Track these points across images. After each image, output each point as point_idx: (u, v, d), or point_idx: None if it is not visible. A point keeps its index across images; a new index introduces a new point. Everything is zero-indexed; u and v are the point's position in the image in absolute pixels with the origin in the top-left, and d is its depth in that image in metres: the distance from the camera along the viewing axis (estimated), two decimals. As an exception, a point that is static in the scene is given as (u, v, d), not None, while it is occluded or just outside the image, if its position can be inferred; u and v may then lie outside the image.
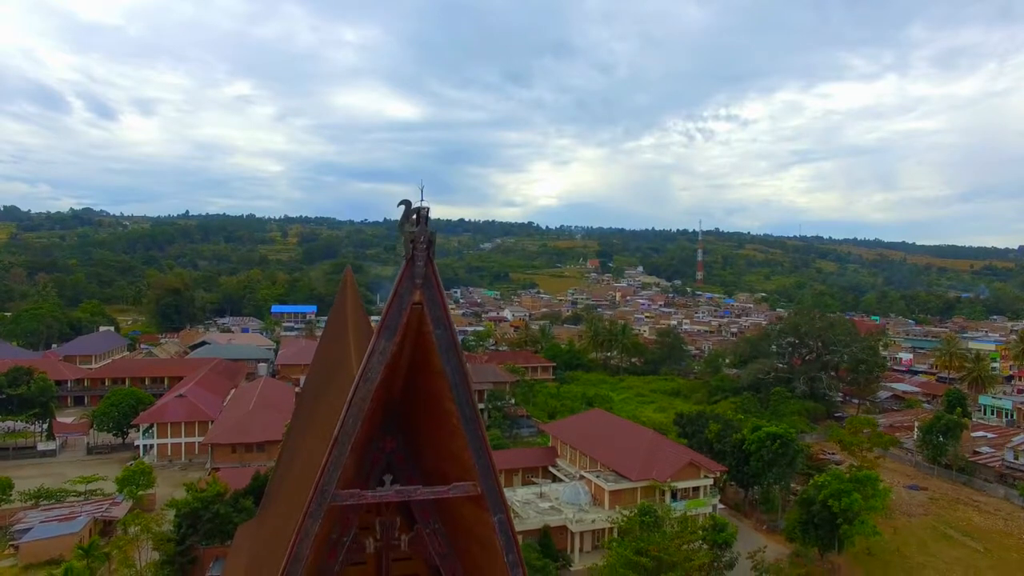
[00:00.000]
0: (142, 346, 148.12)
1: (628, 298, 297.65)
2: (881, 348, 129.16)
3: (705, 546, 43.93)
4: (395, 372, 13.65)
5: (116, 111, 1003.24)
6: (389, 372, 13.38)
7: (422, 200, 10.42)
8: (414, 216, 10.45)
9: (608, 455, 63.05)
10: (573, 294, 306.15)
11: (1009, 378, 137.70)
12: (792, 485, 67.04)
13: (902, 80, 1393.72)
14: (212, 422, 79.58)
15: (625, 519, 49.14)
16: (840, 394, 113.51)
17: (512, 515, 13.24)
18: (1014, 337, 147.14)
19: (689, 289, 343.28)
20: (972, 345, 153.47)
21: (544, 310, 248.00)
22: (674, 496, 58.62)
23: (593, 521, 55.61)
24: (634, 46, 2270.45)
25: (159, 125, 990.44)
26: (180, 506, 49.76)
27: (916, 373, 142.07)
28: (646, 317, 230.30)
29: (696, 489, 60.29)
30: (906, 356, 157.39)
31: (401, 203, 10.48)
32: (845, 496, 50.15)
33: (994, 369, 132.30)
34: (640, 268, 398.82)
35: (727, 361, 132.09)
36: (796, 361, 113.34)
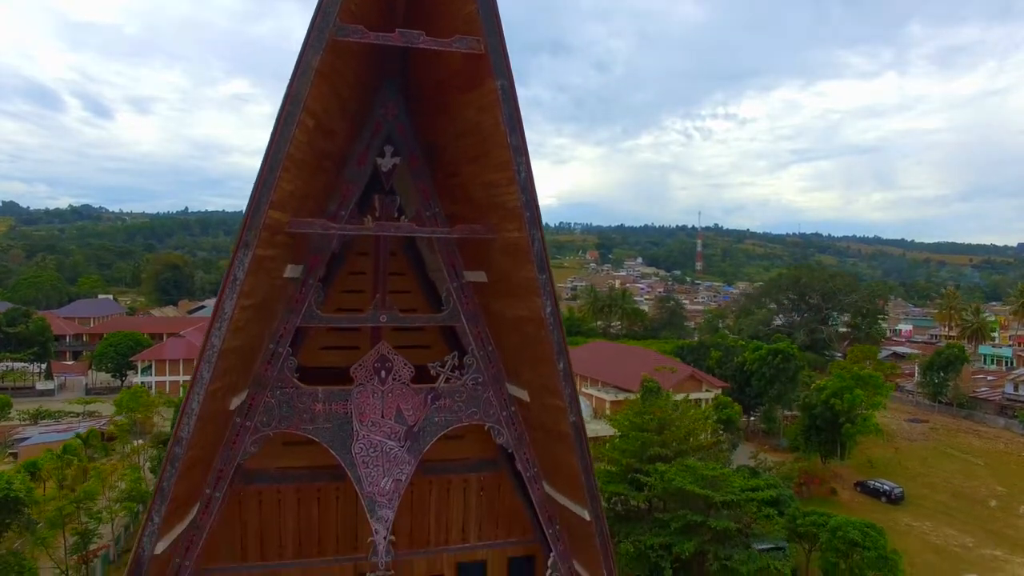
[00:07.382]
0: (140, 315, 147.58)
1: (627, 285, 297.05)
2: (882, 315, 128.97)
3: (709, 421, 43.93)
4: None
5: (112, 109, 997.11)
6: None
7: None
8: None
9: (611, 374, 63.09)
10: (572, 282, 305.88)
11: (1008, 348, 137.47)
12: (793, 412, 66.88)
13: (901, 78, 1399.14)
14: (211, 360, 79.20)
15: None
16: (840, 353, 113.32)
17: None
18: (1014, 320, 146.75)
19: (688, 278, 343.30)
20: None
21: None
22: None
23: (596, 420, 55.59)
24: (631, 44, 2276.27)
25: (156, 124, 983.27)
26: (179, 403, 49.56)
27: (916, 343, 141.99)
28: (645, 299, 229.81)
29: (697, 403, 60.06)
30: (906, 328, 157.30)
31: None
32: (848, 393, 49.98)
33: (994, 339, 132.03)
34: (639, 260, 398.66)
35: (727, 322, 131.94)
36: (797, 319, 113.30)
